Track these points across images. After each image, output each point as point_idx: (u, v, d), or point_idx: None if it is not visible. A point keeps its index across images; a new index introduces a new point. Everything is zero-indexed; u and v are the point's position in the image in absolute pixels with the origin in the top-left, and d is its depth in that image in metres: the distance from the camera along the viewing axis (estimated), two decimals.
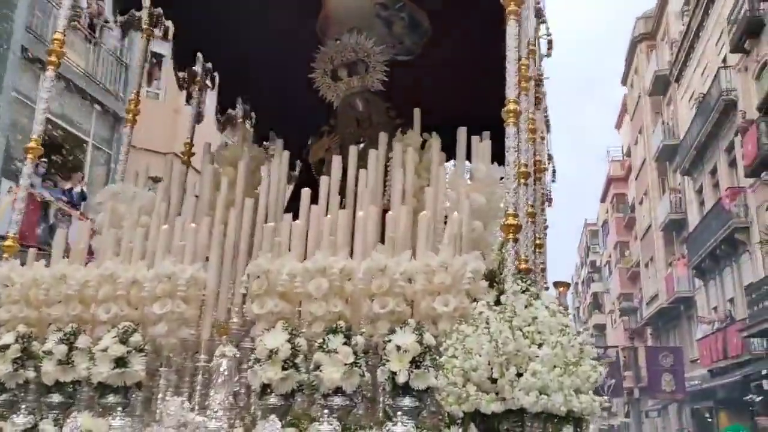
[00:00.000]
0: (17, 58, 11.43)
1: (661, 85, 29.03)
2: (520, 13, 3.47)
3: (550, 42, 5.18)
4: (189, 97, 5.79)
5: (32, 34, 11.93)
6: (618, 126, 40.94)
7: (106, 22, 12.46)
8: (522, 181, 3.52)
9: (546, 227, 5.78)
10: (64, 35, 4.16)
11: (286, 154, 4.37)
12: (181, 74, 5.62)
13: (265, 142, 6.13)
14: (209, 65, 5.84)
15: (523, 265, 3.30)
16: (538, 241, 4.79)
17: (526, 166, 3.56)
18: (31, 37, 11.89)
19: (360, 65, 5.31)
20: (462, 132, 4.28)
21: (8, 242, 3.69)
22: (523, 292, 2.82)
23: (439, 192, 3.78)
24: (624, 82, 36.52)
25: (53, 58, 4.02)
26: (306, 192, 3.74)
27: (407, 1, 5.34)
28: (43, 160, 12.51)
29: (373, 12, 5.38)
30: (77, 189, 12.39)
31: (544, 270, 5.26)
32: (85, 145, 13.61)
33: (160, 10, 5.19)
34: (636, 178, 34.80)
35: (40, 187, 11.85)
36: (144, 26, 5.14)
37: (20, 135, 11.32)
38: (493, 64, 3.66)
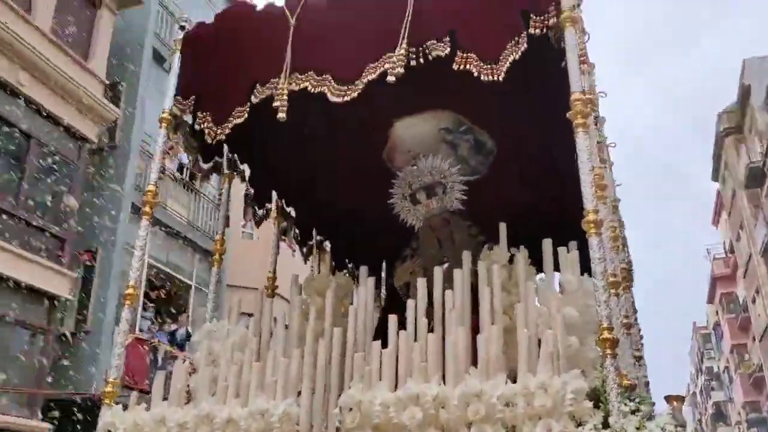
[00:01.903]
0: (127, 216, 12.43)
1: (756, 178, 27.85)
2: (588, 125, 3.48)
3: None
4: (284, 234, 6.02)
5: (142, 191, 13.05)
6: (715, 222, 39.18)
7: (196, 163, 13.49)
8: (612, 291, 3.37)
9: (641, 336, 5.46)
10: (157, 188, 4.52)
11: (371, 280, 4.40)
12: (260, 211, 5.86)
13: (350, 269, 6.20)
14: (283, 202, 6.06)
15: (625, 382, 3.08)
16: (636, 353, 4.50)
17: (614, 275, 3.43)
18: (140, 195, 13.00)
19: (438, 187, 5.43)
20: (547, 244, 4.20)
21: (108, 387, 3.82)
22: (633, 412, 2.60)
23: (530, 308, 3.66)
24: (715, 177, 35.36)
25: (147, 209, 4.37)
26: (393, 318, 3.71)
27: (471, 124, 5.49)
28: (151, 304, 13.33)
29: (438, 137, 5.54)
30: (183, 330, 12.89)
31: (647, 384, 4.89)
32: (189, 287, 14.35)
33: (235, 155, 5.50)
34: (744, 276, 32.64)
35: (148, 331, 12.46)
36: (224, 172, 5.48)
37: None
38: (567, 173, 3.65)
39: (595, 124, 4.50)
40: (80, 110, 11.78)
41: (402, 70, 3.79)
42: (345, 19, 4.30)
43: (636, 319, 5.32)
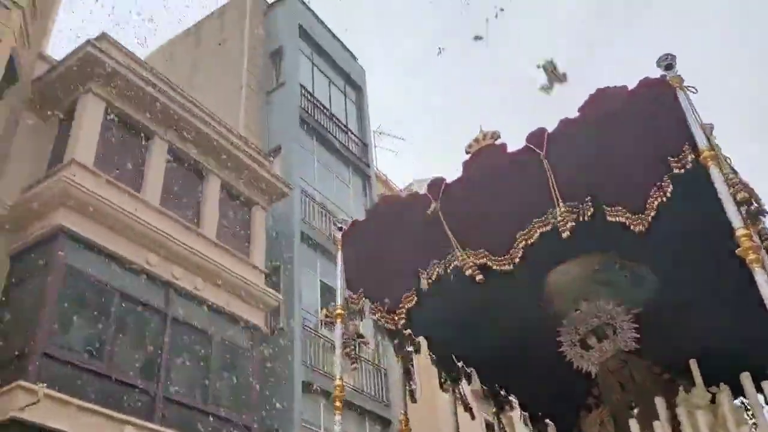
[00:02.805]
0: (300, 392, 13.04)
1: None
2: (762, 258, 3.42)
3: None
4: (454, 392, 6.10)
5: (309, 366, 13.73)
6: None
7: (361, 336, 14.07)
8: None
9: None
10: (343, 381, 4.85)
11: None
12: (447, 376, 5.99)
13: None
14: (461, 363, 6.18)
15: None
16: None
17: None
18: (308, 371, 13.68)
19: (607, 329, 5.34)
20: (746, 378, 3.97)
21: None
22: None
23: None
24: None
25: (337, 404, 4.69)
26: None
27: (625, 260, 5.45)
28: None
29: (595, 278, 5.52)
30: None
31: None
32: None
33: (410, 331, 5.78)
34: None
35: None
36: (404, 351, 5.74)
37: None
38: (745, 299, 3.54)
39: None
40: (247, 301, 12.90)
41: (569, 232, 3.97)
42: (487, 195, 4.64)
43: None
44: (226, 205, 13.71)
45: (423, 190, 5.09)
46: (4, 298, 10.04)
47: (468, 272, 4.58)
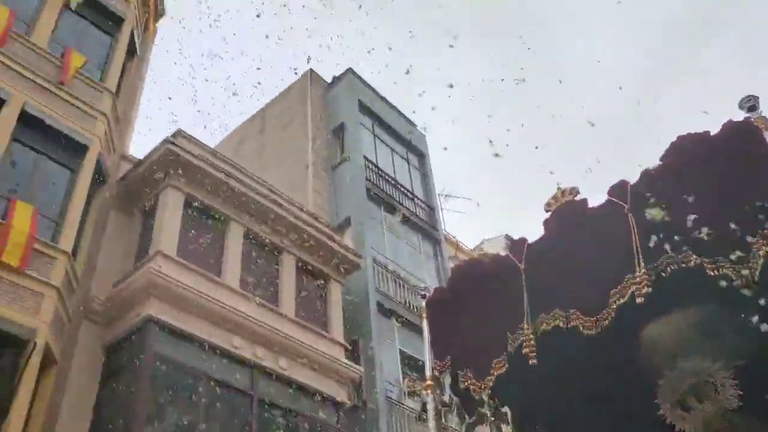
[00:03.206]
0: None
1: None
2: None
3: None
4: None
5: None
6: None
7: (447, 405, 13.76)
8: None
9: None
10: None
11: None
12: None
13: None
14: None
15: None
16: None
17: None
18: None
19: (707, 387, 5.03)
20: None
21: None
22: None
23: None
24: None
25: None
26: None
27: (724, 307, 5.18)
28: None
29: (691, 332, 5.27)
30: None
31: None
32: None
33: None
34: None
35: None
36: (489, 419, 5.57)
37: None
38: None
39: None
40: (330, 376, 12.92)
41: (649, 289, 3.86)
42: (572, 253, 4.57)
43: None
44: (302, 281, 13.97)
45: (499, 250, 5.07)
46: (100, 390, 10.42)
47: (559, 334, 4.47)
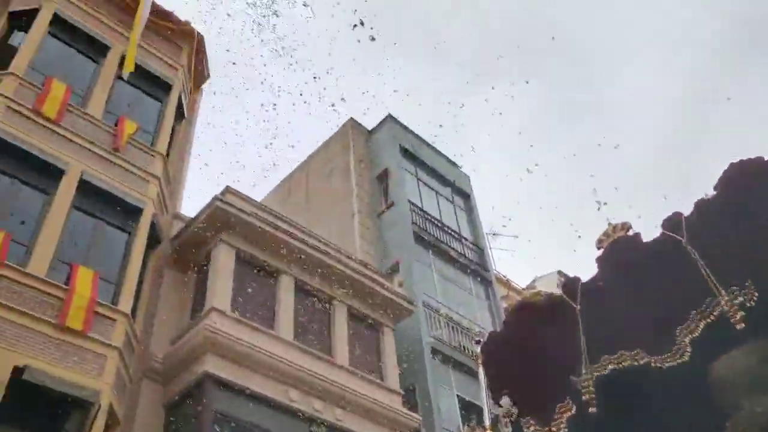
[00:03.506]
0: None
1: None
2: None
3: None
4: None
5: None
6: None
7: None
8: None
9: None
10: None
11: None
12: None
13: None
14: None
15: None
16: None
17: None
18: None
19: None
20: None
21: None
22: None
23: None
24: None
25: None
26: None
27: None
28: None
29: (759, 369, 5.02)
30: None
31: None
32: None
33: None
34: None
35: None
36: None
37: None
38: None
39: None
40: (387, 425, 12.74)
41: (744, 313, 3.72)
42: (629, 290, 4.45)
43: None
44: (354, 330, 13.95)
45: (552, 288, 4.98)
46: None
47: (620, 376, 4.33)
